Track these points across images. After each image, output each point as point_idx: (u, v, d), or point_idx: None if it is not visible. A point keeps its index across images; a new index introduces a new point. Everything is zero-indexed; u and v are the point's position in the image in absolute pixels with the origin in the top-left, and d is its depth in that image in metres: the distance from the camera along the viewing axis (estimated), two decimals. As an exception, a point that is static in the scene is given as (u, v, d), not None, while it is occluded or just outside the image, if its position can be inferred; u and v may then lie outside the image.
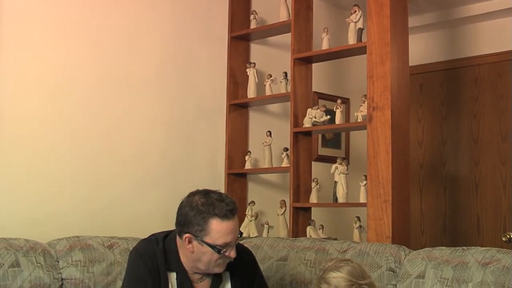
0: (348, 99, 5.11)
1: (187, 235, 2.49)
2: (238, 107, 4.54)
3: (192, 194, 2.54)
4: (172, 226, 2.63)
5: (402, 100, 3.71)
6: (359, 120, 3.92)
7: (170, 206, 2.82)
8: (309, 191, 4.17)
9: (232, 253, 2.52)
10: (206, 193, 2.53)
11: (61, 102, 3.62)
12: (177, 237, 2.58)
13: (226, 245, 2.49)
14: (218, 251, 2.48)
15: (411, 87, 3.94)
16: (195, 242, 2.49)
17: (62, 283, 2.95)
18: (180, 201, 2.55)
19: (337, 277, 2.36)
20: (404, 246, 3.04)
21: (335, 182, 4.06)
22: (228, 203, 2.50)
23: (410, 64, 3.87)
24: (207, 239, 2.46)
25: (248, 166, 4.42)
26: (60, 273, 2.96)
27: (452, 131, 5.19)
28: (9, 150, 3.41)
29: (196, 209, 2.47)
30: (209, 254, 2.49)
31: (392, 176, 3.58)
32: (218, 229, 2.46)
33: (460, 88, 5.19)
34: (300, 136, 4.20)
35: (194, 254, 2.51)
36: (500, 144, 4.91)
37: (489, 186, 4.95)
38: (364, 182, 3.88)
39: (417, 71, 5.16)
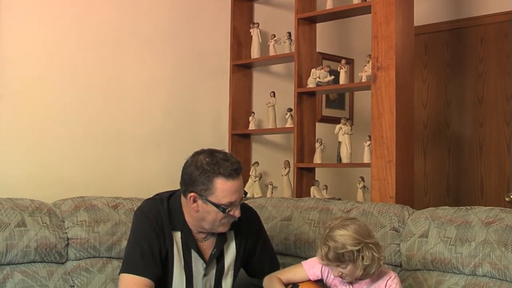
0: (353, 59, 5.08)
1: (192, 194, 2.50)
2: (242, 68, 4.52)
3: (197, 154, 2.54)
4: (176, 187, 2.64)
5: (406, 60, 3.69)
6: (363, 80, 3.91)
7: (173, 166, 2.83)
8: (313, 151, 4.17)
9: (236, 213, 2.53)
10: (211, 152, 2.53)
11: (64, 65, 3.62)
12: (182, 197, 2.59)
13: (231, 205, 2.49)
14: (223, 210, 2.49)
15: (415, 47, 3.92)
16: (200, 201, 2.50)
17: (68, 243, 2.97)
18: (185, 161, 2.55)
19: (344, 235, 2.37)
20: (407, 206, 3.05)
21: (339, 142, 4.06)
22: (233, 162, 2.50)
23: (415, 24, 3.84)
24: (212, 198, 2.47)
25: (252, 126, 4.42)
26: (66, 232, 2.98)
27: (457, 92, 5.17)
28: (15, 114, 3.43)
29: (201, 168, 2.47)
30: (213, 213, 2.50)
31: (396, 137, 3.58)
32: (223, 188, 2.46)
33: (465, 48, 5.15)
34: (304, 96, 4.19)
35: (198, 213, 2.52)
36: (505, 105, 4.89)
37: (493, 147, 4.94)
38: (368, 142, 3.88)
39: (422, 31, 5.11)
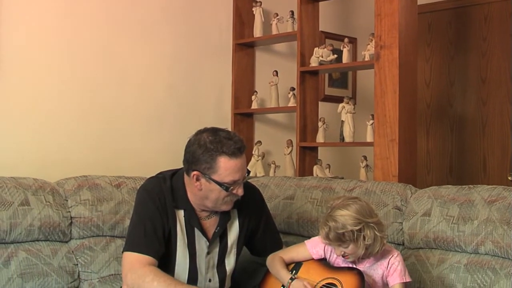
0: (356, 38, 5.06)
1: (195, 172, 2.50)
2: (244, 47, 4.50)
3: (200, 132, 2.54)
4: (179, 165, 2.64)
5: (410, 38, 3.67)
6: (366, 59, 3.89)
7: (176, 145, 2.83)
8: (315, 130, 4.17)
9: (239, 191, 2.54)
10: (214, 131, 2.53)
11: (67, 45, 3.61)
12: (185, 175, 2.59)
13: (234, 183, 2.50)
14: (226, 189, 2.49)
15: (419, 26, 3.89)
16: (203, 180, 2.50)
17: (71, 221, 2.99)
18: (188, 139, 2.55)
19: (345, 215, 2.37)
20: (410, 185, 3.05)
21: (342, 121, 4.06)
22: (236, 141, 2.50)
23: (419, 2, 3.81)
24: (215, 177, 2.47)
25: (254, 106, 4.41)
26: (69, 211, 2.99)
27: (460, 71, 5.15)
28: (17, 95, 3.42)
29: (204, 146, 2.47)
30: (216, 192, 2.50)
31: (399, 115, 3.57)
32: (226, 167, 2.46)
33: (468, 27, 5.12)
34: (307, 75, 4.18)
35: (201, 191, 2.53)
36: (508, 84, 4.87)
37: (497, 126, 4.93)
38: (371, 121, 3.88)
39: (426, 10, 5.07)
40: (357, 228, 2.36)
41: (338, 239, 2.39)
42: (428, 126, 5.29)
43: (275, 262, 2.66)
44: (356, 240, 2.38)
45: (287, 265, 2.66)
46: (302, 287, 2.47)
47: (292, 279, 2.53)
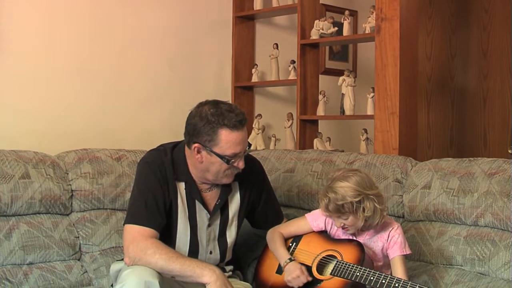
0: (356, 11, 5.03)
1: (196, 145, 2.49)
2: (245, 19, 4.48)
3: (201, 104, 2.53)
4: (180, 138, 2.64)
5: (411, 11, 3.65)
6: (367, 32, 3.87)
7: (176, 119, 2.82)
8: (316, 103, 4.16)
9: (240, 164, 2.54)
10: (215, 103, 2.52)
11: (67, 19, 3.59)
12: (186, 147, 2.59)
13: (235, 156, 2.49)
14: (227, 162, 2.49)
15: (420, -2, 3.88)
16: (204, 152, 2.50)
17: (72, 194, 2.99)
18: (189, 112, 2.54)
19: (345, 186, 2.38)
20: (410, 158, 3.04)
21: (342, 94, 4.05)
22: (237, 113, 2.49)
23: (420, -26, 3.79)
24: (216, 149, 2.47)
25: (255, 79, 4.40)
26: (70, 184, 3.00)
27: (461, 44, 5.13)
28: (18, 68, 3.41)
29: (206, 119, 2.46)
30: (217, 164, 2.50)
31: (399, 88, 3.56)
32: (227, 140, 2.46)
33: (470, -1, 5.10)
34: (307, 48, 4.16)
35: (202, 164, 2.53)
36: (509, 57, 4.86)
37: (497, 100, 4.93)
38: (372, 94, 3.87)
39: (427, -18, 5.06)
40: (356, 200, 2.37)
41: (338, 210, 2.40)
42: (429, 99, 5.28)
43: (274, 238, 2.67)
44: (356, 212, 2.38)
45: (287, 239, 2.67)
46: (298, 270, 2.48)
47: (290, 259, 2.54)
